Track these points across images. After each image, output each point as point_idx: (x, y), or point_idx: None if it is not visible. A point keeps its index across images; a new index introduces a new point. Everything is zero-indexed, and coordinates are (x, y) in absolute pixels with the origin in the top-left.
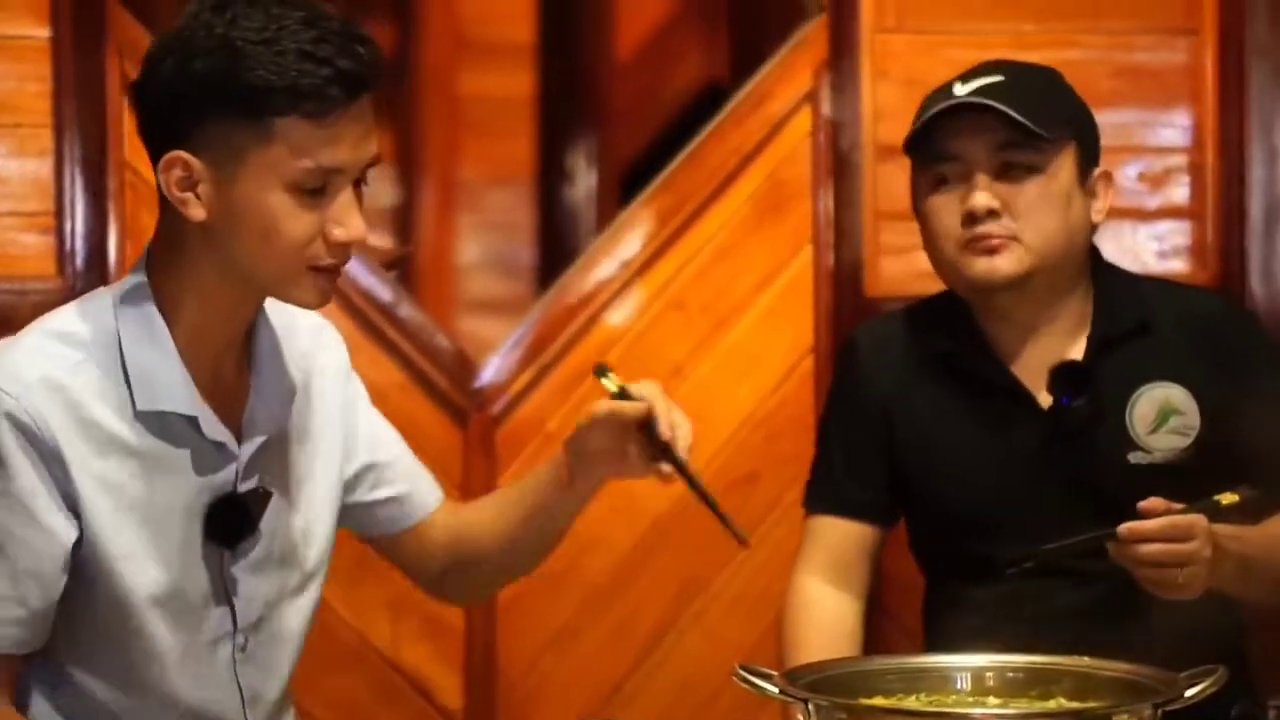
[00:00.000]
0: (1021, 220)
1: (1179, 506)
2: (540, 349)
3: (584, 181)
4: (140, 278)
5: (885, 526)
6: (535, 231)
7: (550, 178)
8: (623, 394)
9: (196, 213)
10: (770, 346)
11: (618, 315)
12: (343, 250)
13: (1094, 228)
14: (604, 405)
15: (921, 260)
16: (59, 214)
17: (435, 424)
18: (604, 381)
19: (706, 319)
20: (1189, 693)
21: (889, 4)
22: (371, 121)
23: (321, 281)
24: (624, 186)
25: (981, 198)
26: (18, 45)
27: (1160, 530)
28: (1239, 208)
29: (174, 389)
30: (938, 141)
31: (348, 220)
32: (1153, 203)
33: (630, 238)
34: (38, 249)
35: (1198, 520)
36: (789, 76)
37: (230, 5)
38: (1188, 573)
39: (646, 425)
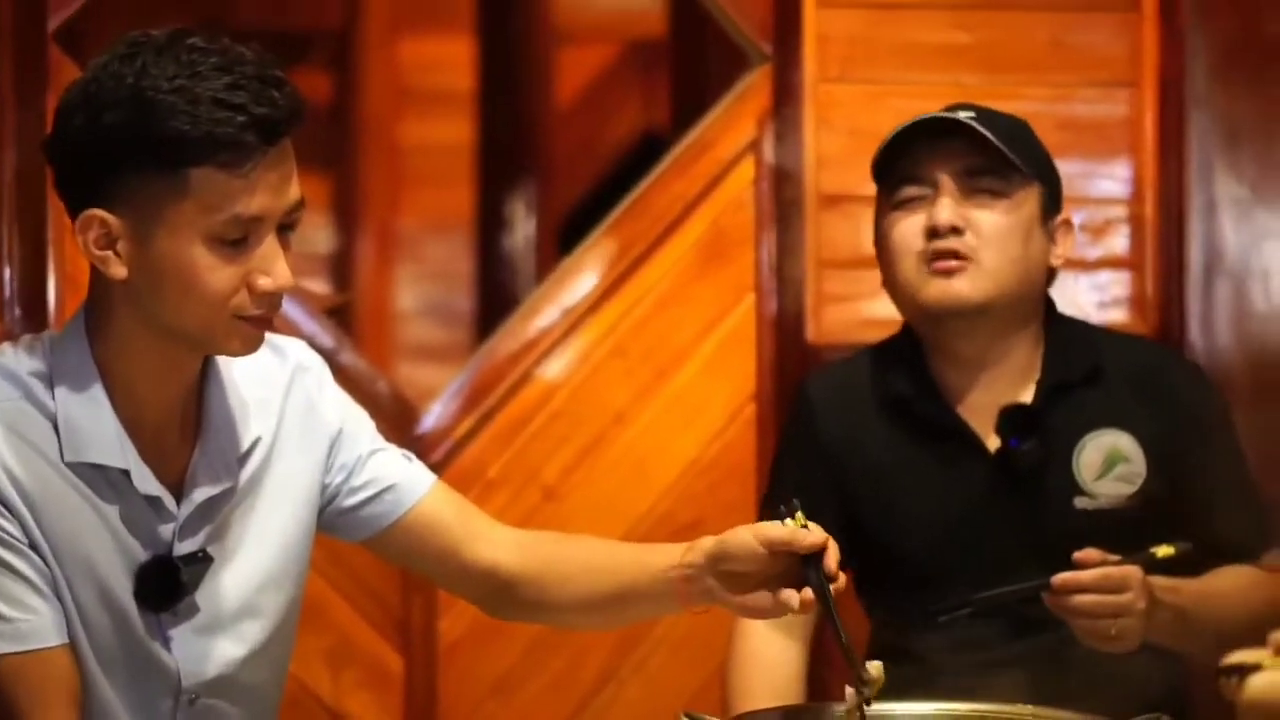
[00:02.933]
0: (983, 241)
1: (1114, 558)
2: (481, 396)
3: (522, 230)
4: (79, 327)
5: None
6: (474, 279)
7: (489, 226)
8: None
9: (118, 271)
10: (712, 394)
11: (559, 363)
12: (270, 299)
13: (1052, 273)
14: (782, 531)
15: (864, 308)
16: None
17: None
18: (789, 521)
19: (648, 366)
20: None
21: (832, 54)
22: (292, 165)
23: (250, 330)
24: (562, 235)
25: (945, 212)
26: None
27: (1094, 581)
28: (1178, 259)
29: (103, 440)
30: (905, 165)
31: (273, 269)
32: (1093, 253)
33: (572, 285)
34: None
35: (1132, 572)
36: (732, 125)
37: (140, 54)
38: (1121, 624)
39: (809, 556)
